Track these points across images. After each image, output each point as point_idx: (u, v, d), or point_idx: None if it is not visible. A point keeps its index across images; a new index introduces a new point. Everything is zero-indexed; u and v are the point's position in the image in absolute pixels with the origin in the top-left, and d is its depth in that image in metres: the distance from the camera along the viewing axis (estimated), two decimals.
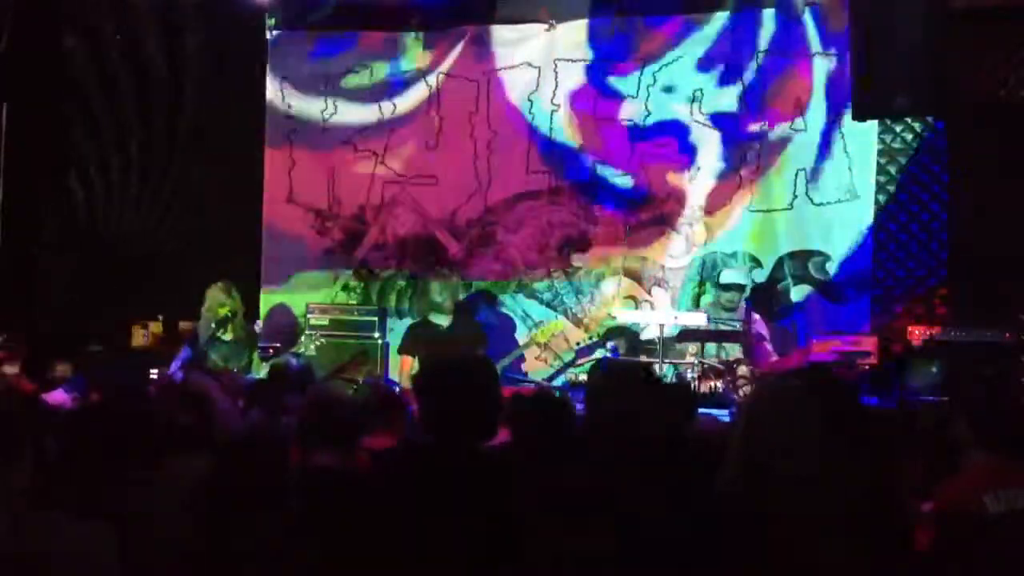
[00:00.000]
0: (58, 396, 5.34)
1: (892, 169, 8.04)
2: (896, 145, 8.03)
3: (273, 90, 9.22)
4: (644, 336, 8.23)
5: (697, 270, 8.47)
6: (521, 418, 3.73)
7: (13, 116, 8.63)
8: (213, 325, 7.46)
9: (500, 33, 8.87)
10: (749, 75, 8.32)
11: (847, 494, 2.86)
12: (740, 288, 7.78)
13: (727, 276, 7.91)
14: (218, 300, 7.58)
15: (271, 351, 7.60)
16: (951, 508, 2.84)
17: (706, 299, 8.29)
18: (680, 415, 3.89)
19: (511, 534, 2.49)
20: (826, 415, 3.02)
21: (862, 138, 8.01)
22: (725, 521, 2.52)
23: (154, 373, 6.75)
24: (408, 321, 8.81)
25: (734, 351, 7.39)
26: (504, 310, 8.78)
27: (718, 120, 8.41)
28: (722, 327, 7.44)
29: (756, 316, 7.56)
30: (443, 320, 8.32)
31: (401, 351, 8.18)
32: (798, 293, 8.21)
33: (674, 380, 7.17)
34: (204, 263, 8.40)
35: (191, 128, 9.02)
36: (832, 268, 8.14)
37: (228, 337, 7.55)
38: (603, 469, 2.55)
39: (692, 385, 6.79)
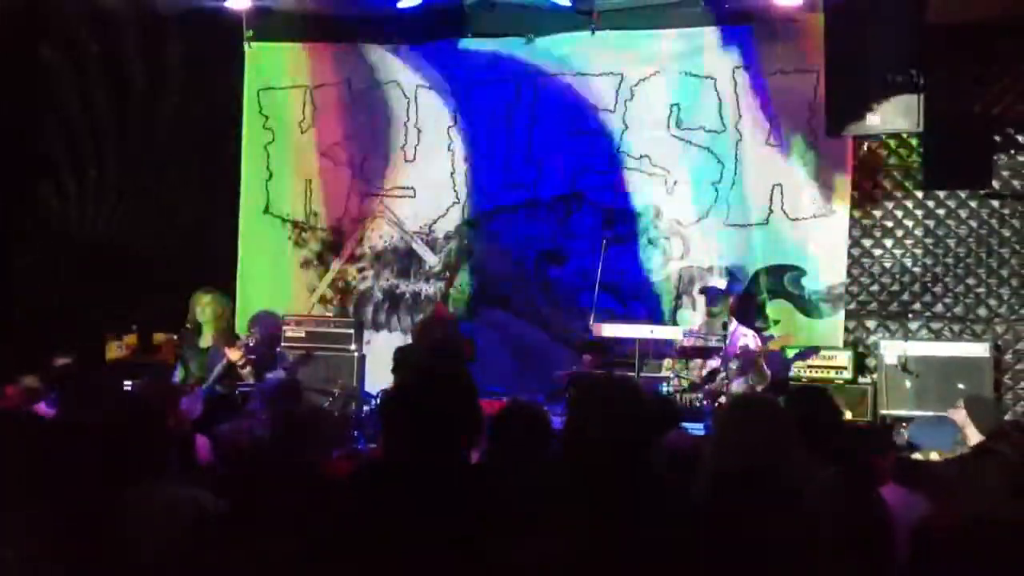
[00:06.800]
0: (41, 409, 5.22)
1: (867, 185, 8.13)
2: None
3: (250, 101, 9.20)
4: (620, 350, 8.21)
5: (674, 284, 8.50)
6: (501, 430, 3.71)
7: None
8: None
9: (477, 46, 8.88)
10: (725, 90, 8.37)
11: (823, 505, 2.87)
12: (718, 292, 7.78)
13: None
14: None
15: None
16: (924, 522, 2.86)
17: (683, 313, 8.34)
18: (662, 428, 3.90)
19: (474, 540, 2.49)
20: (802, 427, 3.04)
21: (837, 153, 8.07)
22: (698, 531, 2.53)
23: (128, 384, 6.61)
24: (385, 334, 8.81)
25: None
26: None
27: (695, 134, 8.45)
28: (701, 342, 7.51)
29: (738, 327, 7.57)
30: None
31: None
32: (773, 307, 8.25)
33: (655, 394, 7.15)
34: (180, 274, 8.34)
35: (167, 138, 8.96)
36: (807, 283, 8.18)
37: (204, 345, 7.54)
38: (576, 479, 2.56)
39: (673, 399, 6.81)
